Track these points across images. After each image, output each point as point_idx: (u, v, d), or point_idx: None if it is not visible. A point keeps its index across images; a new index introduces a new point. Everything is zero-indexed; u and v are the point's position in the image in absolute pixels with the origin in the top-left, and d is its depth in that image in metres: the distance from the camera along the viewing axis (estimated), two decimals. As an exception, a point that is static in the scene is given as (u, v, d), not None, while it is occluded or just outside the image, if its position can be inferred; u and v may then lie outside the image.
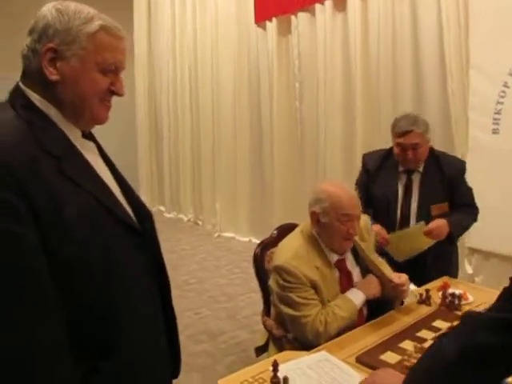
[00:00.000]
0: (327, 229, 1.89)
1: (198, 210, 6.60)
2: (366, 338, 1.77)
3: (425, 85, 3.79)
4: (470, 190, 2.53)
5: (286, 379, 1.42)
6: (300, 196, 5.05)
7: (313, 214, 1.91)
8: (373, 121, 4.24)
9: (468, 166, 3.47)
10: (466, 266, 3.73)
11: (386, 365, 1.55)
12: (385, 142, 4.08)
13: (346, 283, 1.96)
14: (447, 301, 2.03)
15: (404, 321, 1.91)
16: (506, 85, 3.26)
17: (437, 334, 1.76)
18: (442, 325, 1.84)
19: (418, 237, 2.33)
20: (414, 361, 1.53)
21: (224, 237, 5.98)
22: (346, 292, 1.92)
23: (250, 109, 5.61)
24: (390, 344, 1.69)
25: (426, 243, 2.35)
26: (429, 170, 2.46)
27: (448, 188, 2.45)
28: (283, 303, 1.87)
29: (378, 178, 2.56)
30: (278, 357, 1.60)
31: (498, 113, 3.31)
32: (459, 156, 3.57)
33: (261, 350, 2.20)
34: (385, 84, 4.09)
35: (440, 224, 2.31)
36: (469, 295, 2.10)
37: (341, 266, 1.96)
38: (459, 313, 1.98)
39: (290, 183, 5.20)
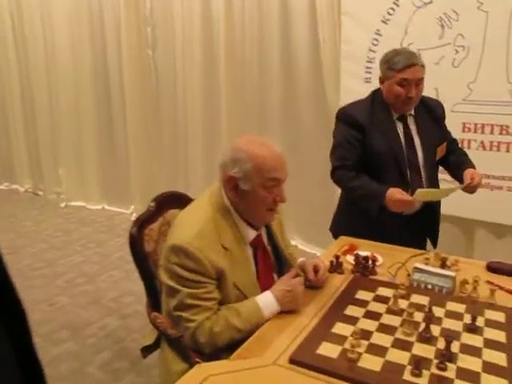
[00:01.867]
0: (248, 198, 1.51)
1: (36, 178, 5.63)
2: (289, 329, 1.47)
3: (294, 32, 3.56)
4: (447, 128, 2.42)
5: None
6: (159, 154, 4.58)
7: (229, 180, 1.51)
8: (236, 71, 3.91)
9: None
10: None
11: (328, 360, 1.30)
12: (249, 93, 3.92)
13: (264, 263, 1.64)
14: (360, 266, 1.85)
15: (322, 297, 1.67)
16: (378, 32, 3.17)
17: (366, 308, 1.56)
18: (367, 295, 1.65)
19: (449, 191, 2.13)
20: (359, 350, 1.31)
21: (72, 206, 5.20)
22: (263, 278, 1.61)
23: (94, 54, 4.76)
24: (322, 332, 1.43)
25: (451, 192, 2.14)
26: (419, 113, 2.23)
27: (440, 128, 2.29)
28: (170, 295, 1.50)
29: (376, 131, 2.17)
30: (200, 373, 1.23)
31: (370, 61, 3.23)
32: (329, 107, 3.49)
33: (148, 351, 1.79)
34: (250, 30, 3.77)
35: (479, 180, 2.09)
36: (377, 255, 1.96)
37: (257, 242, 1.63)
38: (374, 277, 1.82)
39: (145, 142, 4.66)
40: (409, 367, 1.26)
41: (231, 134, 4.00)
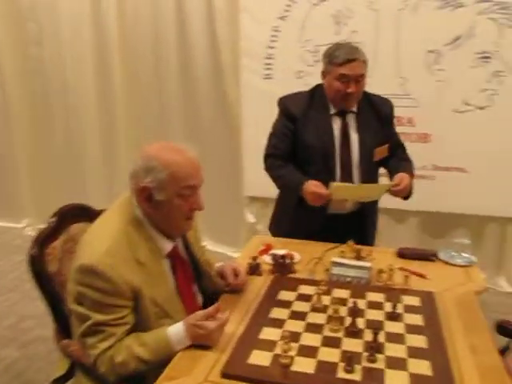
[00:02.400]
0: (164, 208, 1.41)
1: None
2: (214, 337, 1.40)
3: (191, 28, 3.45)
4: (395, 128, 2.35)
5: None
6: (53, 163, 4.23)
7: (142, 190, 1.39)
8: (131, 72, 3.71)
9: (242, 112, 3.44)
10: (248, 216, 3.72)
11: (261, 369, 1.25)
12: (147, 93, 3.75)
13: (183, 275, 1.54)
14: (278, 265, 1.83)
15: (244, 302, 1.62)
16: (276, 29, 3.20)
17: (290, 309, 1.54)
18: (289, 295, 1.63)
19: (371, 191, 2.09)
20: (292, 353, 1.28)
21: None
22: (183, 291, 1.51)
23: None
24: (250, 340, 1.38)
25: (379, 194, 2.12)
26: (363, 110, 2.15)
27: (384, 128, 2.19)
28: (79, 321, 1.36)
29: (309, 123, 2.11)
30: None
31: (269, 57, 3.25)
32: (231, 104, 3.46)
33: (61, 382, 1.62)
34: (144, 28, 3.58)
35: (407, 183, 2.04)
36: (293, 253, 1.95)
37: (174, 254, 1.52)
38: (293, 275, 1.81)
39: (34, 148, 4.25)
40: (341, 364, 1.26)
41: (130, 139, 3.81)
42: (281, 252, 1.91)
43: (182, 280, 1.53)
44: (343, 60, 1.98)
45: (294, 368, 1.25)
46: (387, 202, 3.21)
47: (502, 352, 1.50)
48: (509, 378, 1.27)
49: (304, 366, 1.26)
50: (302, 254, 1.97)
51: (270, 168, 2.22)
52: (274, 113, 3.26)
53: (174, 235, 1.51)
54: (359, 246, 1.95)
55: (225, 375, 1.24)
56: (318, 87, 2.17)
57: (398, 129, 3.14)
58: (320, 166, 2.12)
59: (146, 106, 3.75)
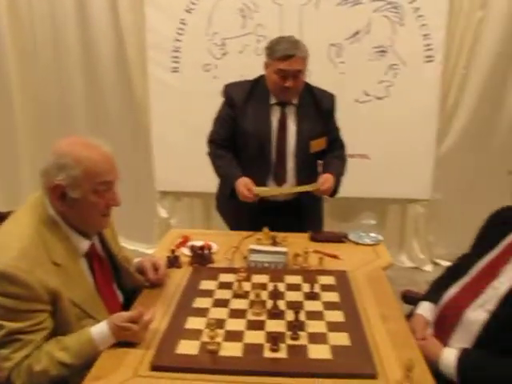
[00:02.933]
0: (79, 205, 1.35)
1: None
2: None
3: (93, 21, 3.29)
4: (337, 125, 2.38)
5: None
6: None
7: (55, 188, 1.33)
8: (29, 68, 3.47)
9: (150, 106, 3.38)
10: (160, 211, 3.66)
11: (190, 358, 1.26)
12: (47, 88, 3.52)
13: (101, 274, 1.49)
14: (197, 256, 1.85)
15: (166, 295, 1.62)
16: (183, 21, 3.16)
17: (213, 297, 1.56)
18: (210, 285, 1.66)
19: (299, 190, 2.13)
20: (219, 339, 1.31)
21: None
22: (102, 290, 1.47)
23: None
24: (176, 330, 1.39)
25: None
26: (304, 103, 2.17)
27: (324, 122, 2.21)
28: None
29: (248, 112, 2.13)
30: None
31: (176, 51, 3.21)
32: (138, 98, 3.39)
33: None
34: (42, 19, 3.36)
35: (329, 185, 2.12)
36: (211, 243, 1.97)
37: (91, 253, 1.48)
38: (213, 265, 1.84)
39: None
40: (267, 345, 1.31)
41: (31, 139, 3.58)
42: (199, 243, 1.92)
43: (101, 279, 1.49)
44: (281, 55, 2.03)
45: (222, 353, 1.28)
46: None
47: (408, 317, 1.64)
48: (413, 338, 1.41)
49: (231, 350, 1.29)
50: (220, 243, 2.00)
51: (210, 155, 2.29)
52: (182, 106, 3.29)
53: (90, 233, 1.47)
54: (274, 233, 2.02)
55: (154, 367, 1.23)
56: (262, 77, 2.22)
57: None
58: (255, 152, 2.18)
59: (47, 104, 3.53)
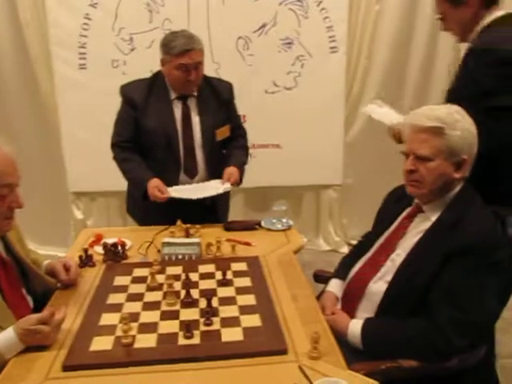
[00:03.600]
0: None
1: None
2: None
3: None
4: (237, 112, 2.42)
5: None
6: None
7: None
8: None
9: (59, 105, 3.26)
10: (76, 212, 3.55)
11: (104, 354, 1.26)
12: None
13: (6, 279, 1.44)
14: (110, 253, 1.83)
15: (79, 294, 1.60)
16: (87, 16, 3.07)
17: (127, 292, 1.56)
18: (125, 280, 1.66)
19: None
20: (132, 332, 1.32)
21: None
22: (9, 296, 1.42)
23: None
24: (89, 328, 1.38)
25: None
26: (203, 94, 2.19)
27: (225, 111, 2.25)
28: None
29: (150, 110, 2.11)
30: None
31: (82, 47, 3.11)
32: (43, 96, 3.26)
33: None
34: None
35: (236, 178, 2.19)
36: (124, 239, 1.96)
37: None
38: (127, 261, 1.83)
39: None
40: (181, 333, 1.34)
41: None
42: (112, 240, 1.90)
43: (7, 284, 1.44)
44: (181, 50, 2.04)
45: (137, 345, 1.29)
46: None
47: (319, 296, 1.74)
48: (322, 314, 1.50)
49: (146, 341, 1.31)
50: (134, 239, 1.99)
51: (116, 159, 2.24)
52: (92, 103, 3.21)
53: None
54: (187, 225, 2.04)
55: (66, 368, 1.22)
56: (159, 74, 2.22)
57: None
58: (164, 150, 2.19)
59: None
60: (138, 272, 1.71)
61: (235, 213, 3.50)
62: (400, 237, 1.60)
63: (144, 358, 1.25)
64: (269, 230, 2.16)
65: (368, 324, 1.51)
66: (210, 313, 1.40)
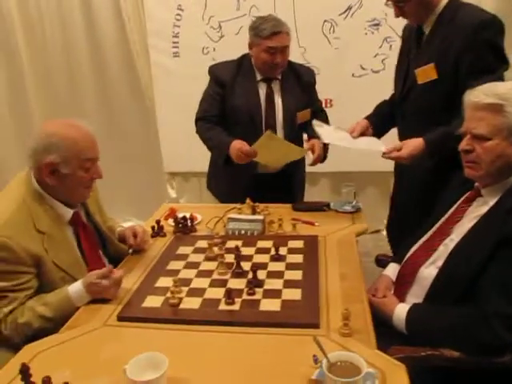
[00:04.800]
0: (68, 180, 1.54)
1: None
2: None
3: (96, 13, 3.45)
4: (317, 96, 2.52)
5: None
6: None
7: (46, 166, 1.51)
8: (40, 59, 3.65)
9: (155, 92, 3.53)
10: (170, 191, 3.84)
11: (153, 310, 1.41)
12: (58, 79, 3.69)
13: (87, 241, 1.67)
14: (180, 226, 1.99)
15: (146, 259, 1.78)
16: (180, 8, 3.28)
17: (186, 260, 1.70)
18: (187, 250, 1.80)
19: (289, 152, 2.21)
20: (180, 295, 1.45)
21: None
22: (88, 255, 1.65)
23: None
24: (146, 288, 1.54)
25: (300, 155, 2.28)
26: (287, 78, 2.32)
27: (307, 94, 2.37)
28: None
29: (237, 88, 2.29)
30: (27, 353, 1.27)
31: (176, 36, 3.34)
32: (143, 84, 3.53)
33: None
34: (50, 22, 3.55)
35: (319, 153, 2.21)
36: (196, 214, 2.11)
37: (76, 220, 1.65)
38: (195, 234, 1.97)
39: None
40: (224, 299, 1.44)
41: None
42: (186, 214, 2.06)
43: (87, 244, 1.66)
44: (270, 33, 2.14)
45: (182, 306, 1.42)
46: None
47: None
48: (366, 295, 1.50)
49: (191, 303, 1.43)
50: (206, 215, 2.13)
51: (199, 131, 2.37)
52: (184, 90, 3.41)
53: (74, 203, 1.64)
54: (256, 204, 2.13)
55: (120, 318, 1.39)
56: (246, 56, 2.34)
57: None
58: (247, 127, 2.29)
59: (58, 94, 3.72)
60: (201, 244, 1.84)
61: (320, 198, 3.53)
62: (456, 221, 1.54)
63: (186, 317, 1.37)
64: (337, 211, 2.17)
65: (414, 309, 1.48)
66: (253, 283, 1.48)
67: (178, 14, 3.29)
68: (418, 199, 2.06)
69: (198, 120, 2.40)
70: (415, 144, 1.88)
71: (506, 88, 1.37)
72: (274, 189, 2.32)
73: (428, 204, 1.78)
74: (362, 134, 2.17)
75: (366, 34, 3.23)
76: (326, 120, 2.46)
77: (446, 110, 1.88)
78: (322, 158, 2.26)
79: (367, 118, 2.28)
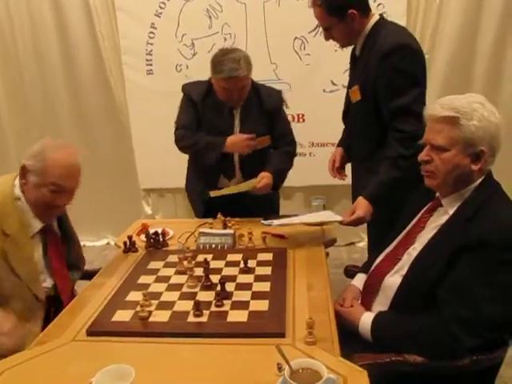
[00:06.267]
0: (31, 191, 1.61)
1: None
2: (87, 307, 1.56)
3: (71, 30, 3.48)
4: (288, 121, 2.53)
5: None
6: None
7: (22, 168, 1.61)
8: (13, 73, 3.67)
9: (129, 108, 3.55)
10: (145, 208, 3.85)
11: (122, 324, 1.42)
12: (32, 97, 3.65)
13: (54, 249, 1.71)
14: (152, 241, 2.01)
15: (118, 274, 1.79)
16: (153, 26, 3.34)
17: (156, 275, 1.72)
18: (158, 264, 1.82)
19: (245, 186, 2.26)
20: (149, 308, 1.47)
21: None
22: (54, 263, 1.69)
23: None
24: (116, 302, 1.55)
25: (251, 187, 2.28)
26: (249, 103, 2.32)
27: (268, 120, 2.36)
28: None
29: (206, 109, 2.32)
30: None
31: (149, 54, 3.39)
32: (117, 101, 3.56)
33: None
34: (22, 38, 3.57)
35: (266, 182, 2.24)
36: (168, 229, 2.13)
37: (45, 228, 1.70)
38: (166, 248, 1.99)
39: None
40: (192, 311, 1.46)
41: (18, 142, 3.78)
42: (158, 229, 2.08)
43: (54, 253, 1.70)
44: (225, 76, 2.15)
45: (152, 319, 1.44)
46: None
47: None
48: (332, 305, 1.54)
49: (160, 316, 1.45)
50: (177, 230, 2.15)
51: (182, 139, 2.35)
52: (159, 106, 3.45)
53: (40, 218, 1.65)
54: (227, 218, 2.16)
55: (89, 333, 1.40)
56: None
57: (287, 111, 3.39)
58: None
59: (33, 111, 3.73)
60: (172, 258, 1.86)
61: (295, 211, 3.57)
62: (419, 231, 1.59)
63: (155, 330, 1.39)
64: (306, 224, 2.20)
65: (379, 317, 1.52)
66: (221, 295, 1.51)
67: (152, 32, 3.35)
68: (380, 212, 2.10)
69: (176, 129, 2.39)
70: (362, 203, 1.94)
71: (463, 102, 1.44)
72: (253, 204, 2.34)
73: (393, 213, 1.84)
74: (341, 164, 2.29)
75: (336, 50, 3.28)
76: (290, 144, 2.47)
77: (373, 130, 2.02)
78: (268, 188, 2.29)
79: (340, 143, 2.35)
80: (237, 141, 2.25)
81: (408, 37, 1.98)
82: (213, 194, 2.26)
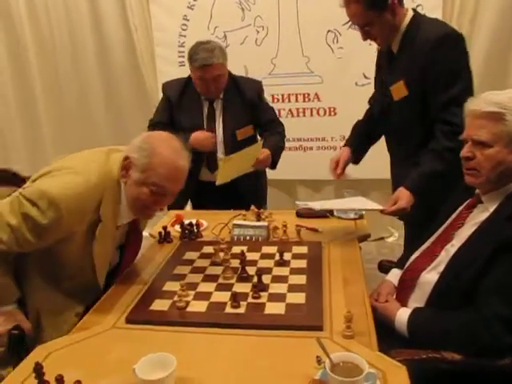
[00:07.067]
0: (131, 187, 1.54)
1: None
2: (125, 296, 1.59)
3: (105, 23, 3.54)
4: (271, 107, 2.58)
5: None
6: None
7: (126, 159, 1.53)
8: (49, 67, 3.74)
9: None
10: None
11: (160, 313, 1.45)
12: (66, 87, 3.74)
13: (132, 245, 1.75)
14: (186, 232, 2.03)
15: (153, 265, 1.81)
16: (185, 18, 3.36)
17: (192, 265, 1.75)
18: (193, 255, 1.84)
19: (247, 159, 2.28)
20: (186, 298, 1.48)
21: None
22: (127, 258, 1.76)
23: None
24: (154, 292, 1.58)
25: (248, 168, 2.33)
26: (229, 95, 2.40)
27: (250, 110, 2.43)
28: None
29: (182, 107, 2.40)
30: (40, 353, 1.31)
31: (181, 46, 3.41)
32: (149, 93, 3.59)
33: None
34: (59, 32, 3.64)
35: (268, 153, 2.32)
36: (202, 221, 2.15)
37: (131, 224, 1.71)
38: (201, 239, 2.02)
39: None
40: (230, 302, 1.47)
41: (54, 134, 3.87)
42: (192, 220, 2.11)
43: (131, 250, 1.74)
44: (199, 65, 2.22)
45: (189, 309, 1.46)
46: (305, 173, 3.52)
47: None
48: (367, 299, 1.53)
49: (197, 307, 1.47)
50: (211, 221, 2.17)
51: None
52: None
53: (134, 214, 1.64)
54: (260, 210, 2.17)
55: (128, 321, 1.43)
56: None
57: (307, 105, 3.41)
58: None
59: (65, 102, 3.80)
60: (207, 249, 1.88)
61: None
62: (458, 227, 1.57)
63: (193, 320, 1.41)
64: (339, 218, 2.20)
65: (415, 313, 1.51)
66: (258, 287, 1.52)
67: (184, 24, 3.36)
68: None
69: (149, 126, 2.49)
70: (404, 194, 1.90)
71: (507, 97, 1.41)
72: (222, 196, 2.40)
73: (431, 210, 1.82)
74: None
75: (370, 43, 3.26)
76: (277, 128, 2.53)
77: (419, 125, 1.97)
78: (269, 161, 2.35)
79: (348, 143, 2.32)
80: (200, 137, 2.29)
81: (450, 27, 1.94)
82: (218, 182, 2.27)
